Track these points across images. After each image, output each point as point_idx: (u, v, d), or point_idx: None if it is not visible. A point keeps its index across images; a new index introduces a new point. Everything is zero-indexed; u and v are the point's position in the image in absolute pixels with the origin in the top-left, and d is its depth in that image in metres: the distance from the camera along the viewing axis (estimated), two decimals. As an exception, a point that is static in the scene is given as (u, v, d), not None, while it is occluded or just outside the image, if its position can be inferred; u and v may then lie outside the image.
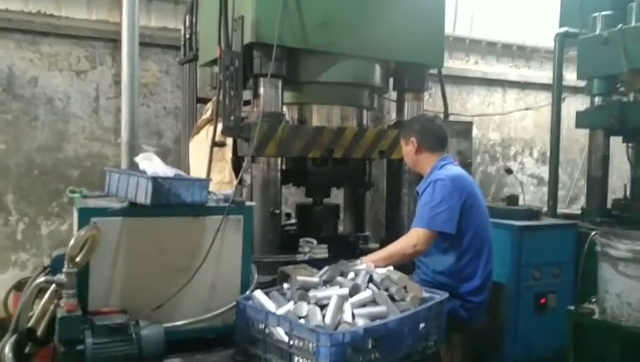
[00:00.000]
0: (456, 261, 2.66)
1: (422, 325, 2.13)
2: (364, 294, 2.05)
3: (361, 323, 1.91)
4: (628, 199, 5.33)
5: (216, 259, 2.19)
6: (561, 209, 5.73)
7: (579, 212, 5.47)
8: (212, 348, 2.21)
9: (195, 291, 2.15)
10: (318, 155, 3.12)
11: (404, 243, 2.58)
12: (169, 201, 2.01)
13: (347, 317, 1.90)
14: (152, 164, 2.20)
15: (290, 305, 2.02)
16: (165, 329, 1.99)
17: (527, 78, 6.90)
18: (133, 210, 2.07)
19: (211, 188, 2.42)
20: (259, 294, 2.12)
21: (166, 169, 2.18)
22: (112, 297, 2.05)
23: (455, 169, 2.76)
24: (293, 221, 3.79)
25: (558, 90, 5.32)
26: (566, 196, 7.15)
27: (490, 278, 2.74)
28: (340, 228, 3.94)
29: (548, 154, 7.14)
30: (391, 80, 3.65)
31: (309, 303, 1.99)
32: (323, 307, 1.96)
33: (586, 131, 5.96)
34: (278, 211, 3.00)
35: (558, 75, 5.33)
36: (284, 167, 3.45)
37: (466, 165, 2.90)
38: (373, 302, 2.04)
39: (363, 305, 2.02)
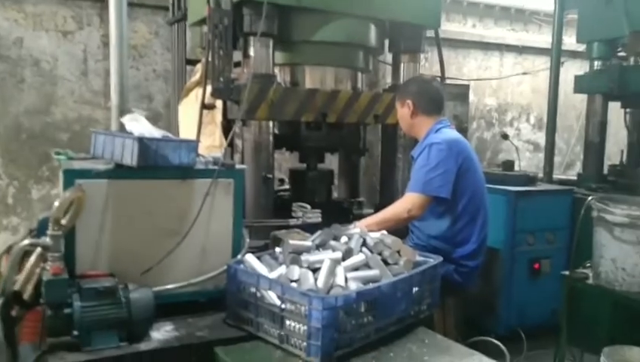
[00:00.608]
0: (450, 225, 2.62)
1: (415, 289, 2.11)
2: (357, 258, 2.01)
3: (353, 286, 1.88)
4: (624, 165, 5.30)
5: (206, 223, 2.14)
6: (557, 175, 5.71)
7: (575, 178, 5.45)
8: (204, 311, 2.17)
9: (185, 255, 2.10)
10: (312, 119, 3.05)
11: (398, 208, 2.54)
12: (156, 163, 1.95)
13: (340, 280, 1.87)
14: (138, 124, 2.13)
15: (282, 269, 1.99)
16: (155, 293, 1.96)
17: (525, 42, 6.77)
18: (119, 171, 2.01)
19: (201, 151, 2.36)
20: (250, 258, 2.08)
21: (153, 130, 2.11)
22: (99, 261, 2.00)
23: (451, 133, 2.70)
24: (286, 186, 3.73)
25: (557, 52, 5.22)
26: (562, 162, 7.12)
27: (485, 243, 2.71)
28: (334, 194, 3.90)
29: (544, 120, 7.11)
30: (386, 42, 3.55)
31: (301, 267, 1.95)
32: (315, 271, 1.93)
33: (584, 97, 5.89)
34: (270, 176, 2.94)
35: (558, 38, 5.22)
36: (276, 132, 3.38)
37: (462, 130, 2.85)
38: (366, 265, 2.01)
39: (356, 268, 1.99)
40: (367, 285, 1.91)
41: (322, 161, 3.54)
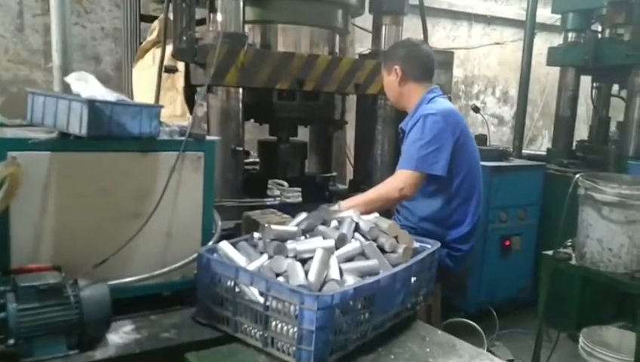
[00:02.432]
0: (443, 206, 2.39)
1: (414, 279, 1.86)
2: (352, 246, 1.74)
3: (350, 281, 1.61)
4: (592, 141, 5.25)
5: (172, 203, 1.81)
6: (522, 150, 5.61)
7: (543, 153, 5.37)
8: (169, 306, 1.86)
9: (148, 242, 1.78)
10: (287, 87, 2.72)
11: (389, 187, 2.27)
12: (111, 132, 1.59)
13: (334, 273, 1.60)
14: (87, 85, 1.75)
15: (264, 259, 1.70)
16: (111, 288, 1.63)
17: (494, 12, 6.60)
18: (65, 142, 1.64)
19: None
20: (225, 246, 1.78)
21: (105, 92, 1.74)
22: (41, 251, 1.65)
23: (446, 102, 2.45)
24: (254, 159, 3.41)
25: (531, 23, 5.05)
26: (525, 136, 7.06)
27: (478, 225, 2.50)
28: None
29: (510, 93, 7.02)
30: (366, 1, 3.24)
31: (287, 257, 1.66)
32: (304, 261, 1.65)
33: (549, 70, 5.79)
34: (240, 148, 2.61)
35: (533, 8, 5.05)
36: (245, 100, 3.05)
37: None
38: (361, 255, 1.74)
39: (350, 258, 1.72)
40: (365, 278, 1.64)
41: (295, 135, 3.23)
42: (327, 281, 1.58)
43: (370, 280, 1.63)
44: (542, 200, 4.62)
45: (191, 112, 2.66)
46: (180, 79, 2.74)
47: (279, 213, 2.30)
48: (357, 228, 1.87)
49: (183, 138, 1.79)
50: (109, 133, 1.59)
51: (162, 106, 1.75)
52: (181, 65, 2.78)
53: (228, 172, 2.62)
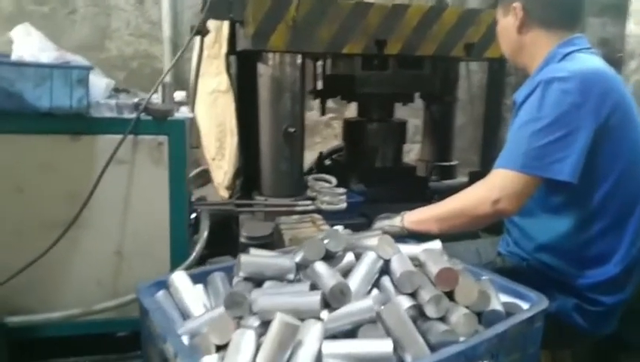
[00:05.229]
0: (577, 230, 1.45)
1: (483, 367, 1.06)
2: (357, 306, 1.00)
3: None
4: None
5: (122, 210, 1.26)
6: None
7: None
8: (128, 350, 1.33)
9: (87, 263, 1.25)
10: (359, 50, 1.99)
11: (477, 196, 1.41)
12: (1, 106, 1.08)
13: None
14: (28, 39, 1.27)
15: (215, 313, 1.06)
16: (27, 325, 1.14)
17: None
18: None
19: (203, 98, 1.47)
20: (178, 280, 1.17)
21: (46, 50, 1.24)
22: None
23: (591, 60, 1.48)
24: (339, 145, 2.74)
25: None
26: None
27: (639, 265, 1.51)
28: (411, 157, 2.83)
29: None
30: None
31: (239, 319, 1.00)
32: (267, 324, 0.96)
33: None
34: (294, 130, 1.95)
35: None
36: (327, 73, 2.40)
37: (612, 63, 1.56)
38: (372, 325, 0.99)
39: (350, 331, 0.98)
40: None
41: (390, 115, 2.47)
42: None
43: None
44: None
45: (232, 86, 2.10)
46: (224, 44, 2.16)
47: (320, 220, 1.62)
48: (388, 269, 1.12)
49: (132, 115, 1.21)
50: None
51: (90, 68, 1.18)
52: (225, 27, 2.19)
53: (280, 161, 2.00)
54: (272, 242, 1.71)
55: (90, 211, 1.23)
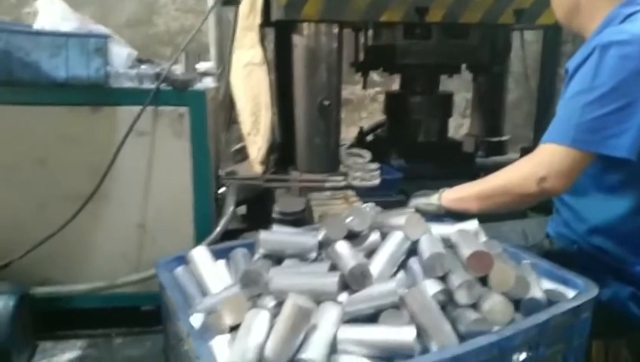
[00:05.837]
0: (636, 211, 1.31)
1: (521, 357, 0.96)
2: (378, 289, 0.93)
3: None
4: None
5: (144, 183, 1.23)
6: None
7: None
8: (152, 325, 1.32)
9: (110, 236, 1.23)
10: (398, 18, 1.87)
11: (522, 173, 1.29)
12: (12, 76, 1.05)
13: (315, 349, 0.83)
14: (51, 9, 1.25)
15: (229, 292, 1.01)
16: (53, 295, 1.14)
17: None
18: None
19: (238, 70, 1.42)
20: (199, 256, 1.13)
21: (71, 20, 1.21)
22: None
23: None
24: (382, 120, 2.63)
25: None
26: None
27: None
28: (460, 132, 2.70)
29: None
30: None
31: (254, 298, 0.95)
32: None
33: None
34: (328, 102, 1.87)
35: None
36: (369, 43, 2.29)
37: None
38: (395, 310, 0.92)
39: (371, 315, 0.91)
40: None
41: (435, 87, 2.34)
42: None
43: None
44: None
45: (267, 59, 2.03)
46: (258, 15, 2.09)
47: (353, 197, 1.55)
48: (415, 250, 1.03)
49: (152, 86, 1.17)
50: (9, 76, 1.05)
51: (107, 36, 1.14)
52: None
53: (315, 135, 1.92)
54: (304, 218, 1.65)
55: (111, 183, 1.21)
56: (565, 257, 1.44)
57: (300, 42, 1.90)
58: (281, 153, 2.27)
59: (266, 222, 1.79)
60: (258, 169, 2.02)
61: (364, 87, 2.53)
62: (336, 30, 1.90)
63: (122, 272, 1.27)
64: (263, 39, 2.06)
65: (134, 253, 1.29)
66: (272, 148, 2.08)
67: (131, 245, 1.28)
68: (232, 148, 2.77)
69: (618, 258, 1.35)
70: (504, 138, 2.70)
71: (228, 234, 1.54)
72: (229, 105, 2.33)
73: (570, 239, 1.46)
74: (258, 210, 2.06)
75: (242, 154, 2.59)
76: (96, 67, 1.11)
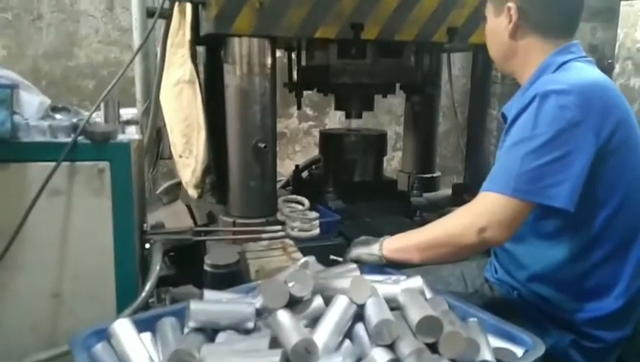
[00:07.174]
0: (574, 258, 1.31)
1: None
2: None
3: None
4: None
5: (59, 246, 1.09)
6: None
7: None
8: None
9: (20, 306, 1.08)
10: (333, 35, 1.83)
11: (462, 223, 1.27)
12: None
13: None
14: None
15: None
16: None
17: None
18: None
19: (167, 90, 1.31)
20: (121, 330, 1.00)
21: None
22: None
23: (590, 70, 1.35)
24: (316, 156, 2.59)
25: None
26: None
27: (642, 298, 1.38)
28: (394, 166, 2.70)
29: None
30: None
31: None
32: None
33: None
34: (264, 145, 1.79)
35: None
36: (303, 64, 2.25)
37: (603, 71, 1.43)
38: None
39: None
40: None
41: (369, 108, 2.31)
42: None
43: None
44: None
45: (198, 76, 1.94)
46: (188, 30, 2.00)
47: (292, 246, 1.47)
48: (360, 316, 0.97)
49: (68, 139, 1.05)
50: None
51: (15, 86, 1.02)
52: (189, 10, 2.03)
53: (250, 178, 1.84)
54: (238, 271, 1.55)
55: (21, 248, 1.07)
56: (507, 305, 1.43)
57: (232, 82, 1.82)
58: (215, 176, 2.16)
59: (196, 268, 1.67)
60: (193, 193, 1.92)
61: (299, 107, 2.47)
62: (269, 66, 1.83)
63: (33, 347, 1.12)
64: (194, 56, 1.97)
65: (48, 325, 1.13)
66: (207, 170, 1.97)
67: (44, 317, 1.13)
68: (159, 188, 2.62)
69: (558, 305, 1.35)
70: (436, 174, 2.73)
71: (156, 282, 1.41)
72: (155, 140, 2.20)
73: (510, 285, 1.46)
74: (188, 258, 1.93)
75: (173, 194, 2.46)
76: (1, 120, 0.98)
